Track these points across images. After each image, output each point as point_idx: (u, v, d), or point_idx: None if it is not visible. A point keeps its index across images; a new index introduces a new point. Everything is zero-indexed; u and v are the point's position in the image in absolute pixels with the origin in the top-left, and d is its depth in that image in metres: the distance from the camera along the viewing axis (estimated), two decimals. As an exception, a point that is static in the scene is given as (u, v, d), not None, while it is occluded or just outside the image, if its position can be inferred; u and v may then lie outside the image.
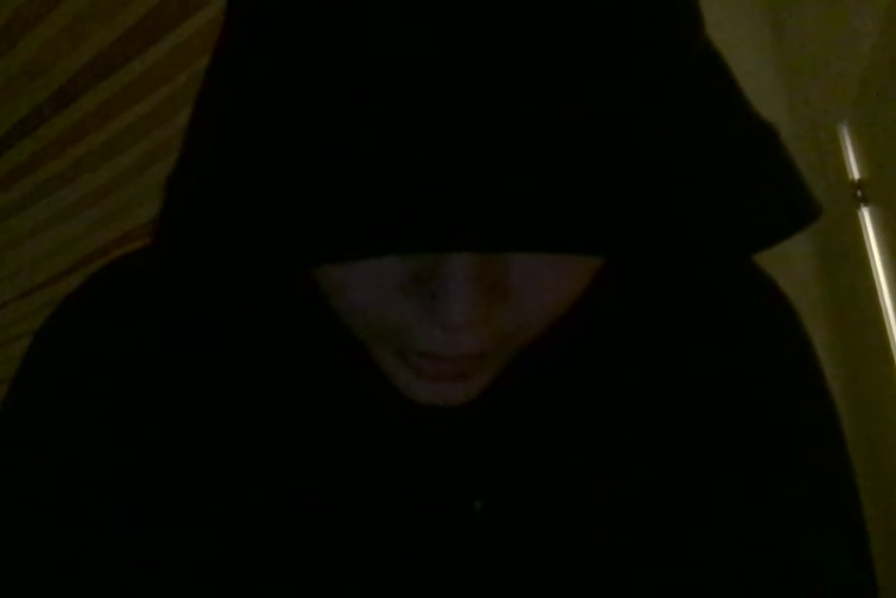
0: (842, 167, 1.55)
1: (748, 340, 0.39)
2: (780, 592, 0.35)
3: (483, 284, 0.26)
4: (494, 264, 0.26)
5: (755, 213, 0.26)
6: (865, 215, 1.50)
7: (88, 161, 1.98)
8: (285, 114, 0.24)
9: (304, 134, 0.24)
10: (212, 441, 0.36)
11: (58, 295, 0.39)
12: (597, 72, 0.23)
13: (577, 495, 0.37)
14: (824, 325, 1.56)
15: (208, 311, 0.37)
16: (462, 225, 0.22)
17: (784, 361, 0.39)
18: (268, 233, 0.24)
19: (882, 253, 1.45)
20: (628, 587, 0.36)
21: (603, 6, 0.23)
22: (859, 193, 1.51)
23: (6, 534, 0.35)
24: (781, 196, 0.27)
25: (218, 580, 0.35)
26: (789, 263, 1.53)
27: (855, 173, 1.53)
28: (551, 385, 0.37)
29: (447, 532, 0.36)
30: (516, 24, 0.22)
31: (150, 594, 0.34)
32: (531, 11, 0.23)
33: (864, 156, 1.51)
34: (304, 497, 0.36)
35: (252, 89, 0.25)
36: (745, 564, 0.36)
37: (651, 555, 0.37)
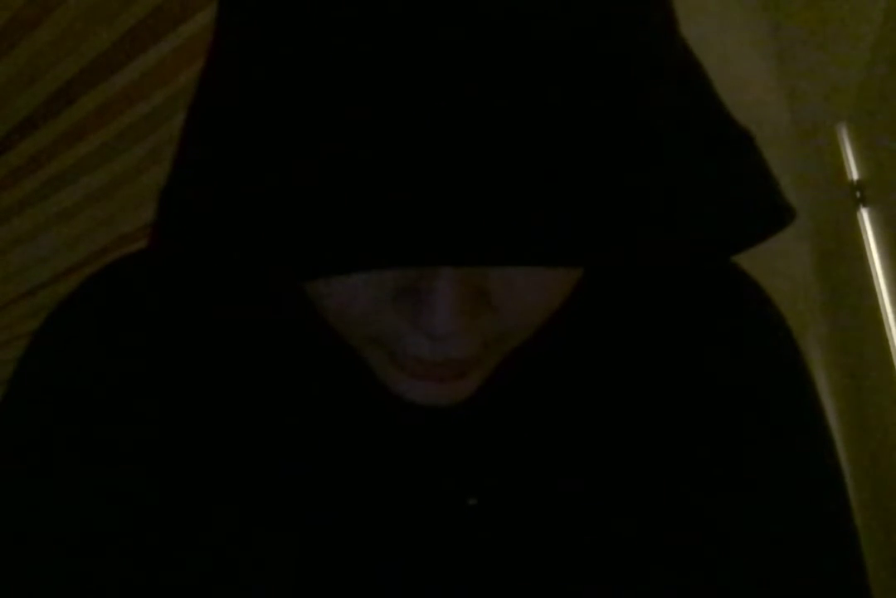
0: (841, 168, 1.55)
1: (731, 339, 0.39)
2: (772, 592, 0.35)
3: (466, 294, 0.27)
4: (477, 275, 0.27)
5: (729, 217, 0.27)
6: (864, 216, 1.50)
7: (88, 162, 1.97)
8: (274, 130, 0.24)
9: (293, 151, 0.24)
10: (205, 441, 0.36)
11: (59, 295, 0.40)
12: (568, 81, 0.23)
13: (569, 491, 0.37)
14: (823, 325, 1.56)
15: (203, 314, 0.37)
16: (443, 240, 0.23)
17: (768, 358, 0.40)
18: (256, 247, 0.25)
19: (881, 254, 1.45)
20: (622, 583, 0.36)
21: (577, 12, 0.23)
22: (858, 193, 1.51)
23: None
24: (755, 200, 0.27)
25: (204, 576, 0.35)
26: (789, 264, 1.53)
27: (854, 174, 1.53)
28: (543, 382, 0.38)
29: (441, 529, 0.37)
30: (492, 37, 0.23)
31: (142, 587, 0.34)
32: (506, 19, 0.23)
33: (863, 157, 1.51)
34: (298, 496, 0.36)
35: (242, 101, 0.26)
36: (737, 563, 0.36)
37: (644, 552, 0.37)
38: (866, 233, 1.49)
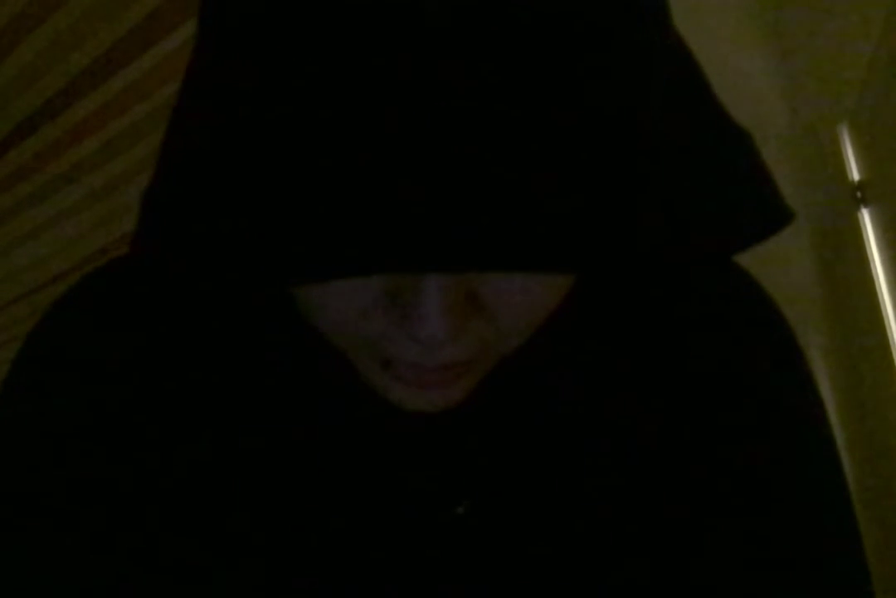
0: (842, 168, 1.55)
1: (732, 339, 0.39)
2: (772, 592, 0.35)
3: (456, 299, 0.26)
4: (468, 279, 0.27)
5: (728, 217, 0.26)
6: (865, 217, 1.50)
7: (88, 163, 1.97)
8: (258, 137, 0.24)
9: (278, 158, 0.24)
10: (193, 446, 0.36)
11: (58, 296, 0.40)
12: (563, 82, 0.23)
13: (559, 498, 0.37)
14: (824, 325, 1.56)
15: (195, 317, 0.37)
16: (430, 246, 0.22)
17: (769, 357, 0.39)
18: (242, 253, 0.25)
19: (882, 254, 1.45)
20: (614, 589, 0.36)
21: (572, 13, 0.23)
22: (859, 194, 1.51)
23: None
24: (753, 200, 0.27)
25: (197, 585, 0.35)
26: (789, 264, 1.53)
27: (855, 174, 1.53)
28: (534, 388, 0.37)
29: (431, 537, 0.36)
30: (486, 39, 0.22)
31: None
32: (498, 23, 0.22)
33: (863, 157, 1.51)
34: (287, 503, 0.36)
35: (227, 107, 0.25)
36: (734, 566, 0.36)
37: (638, 557, 0.36)
38: (867, 233, 1.49)
